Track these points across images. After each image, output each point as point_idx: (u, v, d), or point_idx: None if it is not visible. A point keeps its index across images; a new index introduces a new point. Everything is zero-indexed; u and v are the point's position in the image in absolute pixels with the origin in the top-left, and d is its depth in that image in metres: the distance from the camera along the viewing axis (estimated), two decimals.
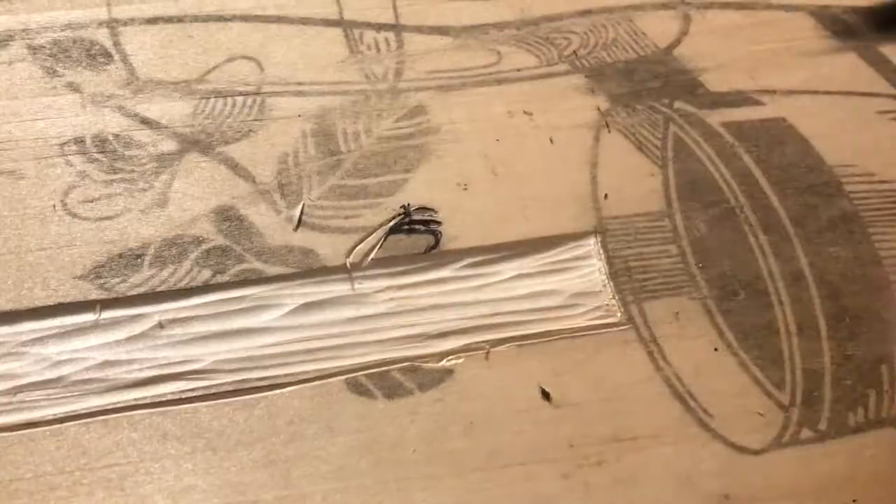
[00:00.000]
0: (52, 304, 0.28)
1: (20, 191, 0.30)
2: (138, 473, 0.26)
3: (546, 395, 0.28)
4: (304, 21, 0.35)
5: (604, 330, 0.29)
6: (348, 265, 0.30)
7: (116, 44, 0.34)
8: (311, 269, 0.30)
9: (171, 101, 0.33)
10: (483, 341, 0.29)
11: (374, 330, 0.29)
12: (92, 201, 0.30)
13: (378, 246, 0.30)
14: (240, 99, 0.33)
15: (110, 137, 0.32)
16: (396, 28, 0.35)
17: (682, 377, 0.28)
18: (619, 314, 0.30)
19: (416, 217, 0.31)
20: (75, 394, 0.27)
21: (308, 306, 0.29)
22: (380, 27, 0.35)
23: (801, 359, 0.29)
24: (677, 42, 0.36)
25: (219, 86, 0.33)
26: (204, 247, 0.30)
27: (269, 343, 0.28)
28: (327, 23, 0.35)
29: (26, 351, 0.28)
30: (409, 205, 0.31)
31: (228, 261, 0.30)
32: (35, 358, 0.27)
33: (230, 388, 0.27)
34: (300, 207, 0.31)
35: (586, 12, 0.37)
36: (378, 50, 0.35)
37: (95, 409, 0.27)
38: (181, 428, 0.27)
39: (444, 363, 0.29)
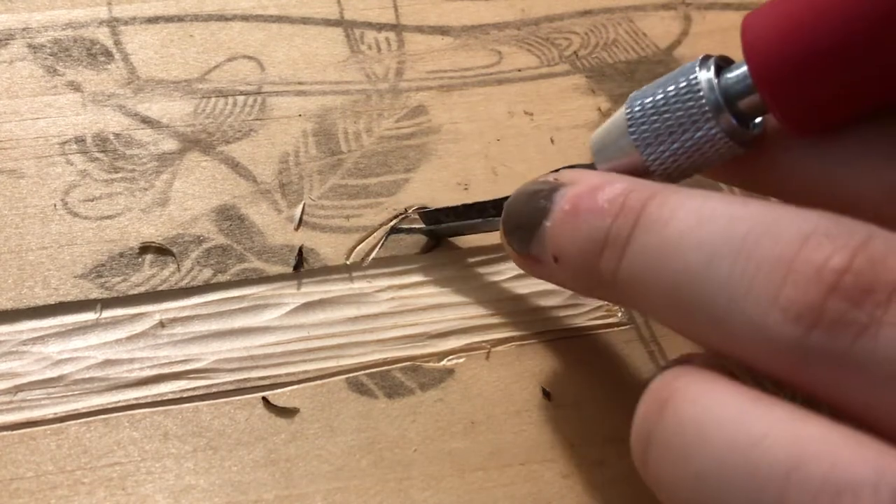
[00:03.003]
0: (52, 302, 0.28)
1: (20, 190, 0.30)
2: (139, 472, 0.26)
3: (547, 395, 0.28)
4: (305, 21, 0.35)
5: (604, 330, 0.30)
6: (349, 265, 0.30)
7: (117, 43, 0.34)
8: (312, 269, 0.30)
9: (172, 100, 0.33)
10: (484, 341, 0.29)
11: (375, 329, 0.29)
12: (93, 200, 0.30)
13: (379, 245, 0.30)
14: (241, 98, 0.33)
15: (111, 136, 0.32)
16: (397, 28, 0.35)
17: None
18: (619, 314, 0.30)
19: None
20: (76, 393, 0.27)
21: (309, 305, 0.29)
22: (380, 27, 0.35)
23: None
24: (678, 42, 0.36)
25: (220, 85, 0.33)
26: (205, 246, 0.30)
27: (270, 342, 0.28)
28: (328, 22, 0.35)
29: (27, 350, 0.28)
30: (408, 208, 0.31)
31: (229, 260, 0.30)
32: (36, 357, 0.27)
33: (231, 387, 0.27)
34: (301, 207, 0.31)
35: (587, 12, 0.37)
36: (379, 50, 0.35)
37: (96, 407, 0.27)
38: (182, 427, 0.27)
39: (444, 363, 0.29)
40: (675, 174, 0.25)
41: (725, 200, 0.21)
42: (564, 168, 0.27)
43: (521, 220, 0.26)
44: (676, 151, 0.25)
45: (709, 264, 0.20)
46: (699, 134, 0.24)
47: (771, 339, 0.19)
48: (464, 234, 0.30)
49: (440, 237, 0.31)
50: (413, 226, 0.31)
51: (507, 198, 0.28)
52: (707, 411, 0.19)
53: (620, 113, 0.26)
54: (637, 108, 0.25)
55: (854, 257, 0.19)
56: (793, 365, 0.19)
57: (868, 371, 0.18)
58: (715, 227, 0.21)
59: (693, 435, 0.19)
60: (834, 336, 0.19)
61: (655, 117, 0.25)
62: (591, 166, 0.27)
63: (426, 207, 0.31)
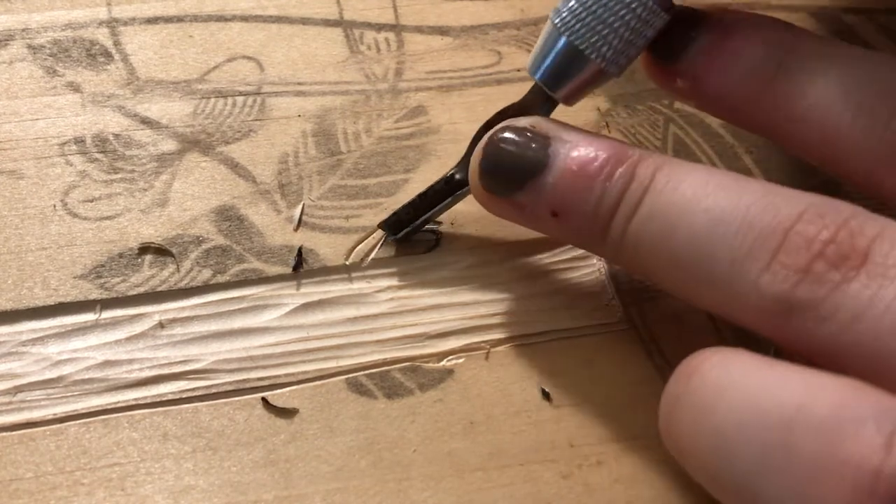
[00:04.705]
0: (52, 303, 0.28)
1: (20, 190, 0.30)
2: (139, 473, 0.26)
3: (546, 395, 0.28)
4: (305, 21, 0.35)
5: (604, 330, 0.30)
6: (348, 265, 0.30)
7: (117, 43, 0.34)
8: (312, 269, 0.30)
9: (172, 100, 0.33)
10: (483, 341, 0.29)
11: (375, 330, 0.29)
12: (92, 201, 0.30)
13: (378, 246, 0.30)
14: (240, 99, 0.33)
15: (110, 137, 0.32)
16: (396, 28, 0.35)
17: None
18: (619, 314, 0.30)
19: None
20: (76, 393, 0.27)
21: (308, 306, 0.29)
22: (380, 27, 0.35)
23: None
24: None
25: (219, 85, 0.33)
26: (204, 246, 0.30)
27: (270, 343, 0.28)
28: (327, 23, 0.35)
29: (26, 350, 0.28)
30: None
31: (228, 260, 0.30)
32: (35, 357, 0.27)
33: (230, 387, 0.28)
34: (300, 207, 0.31)
35: None
36: (378, 50, 0.35)
37: (96, 408, 0.27)
38: (181, 427, 0.27)
39: (444, 363, 0.29)
40: (624, 63, 0.27)
41: (730, 175, 0.24)
42: (533, 116, 0.28)
43: (507, 167, 0.27)
44: (621, 35, 0.26)
45: (714, 228, 0.23)
46: (631, 8, 0.26)
47: (762, 296, 0.22)
48: (435, 219, 0.30)
49: (412, 235, 0.31)
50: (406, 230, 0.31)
51: (453, 174, 0.29)
52: (727, 373, 0.21)
53: (548, 28, 0.27)
54: (565, 13, 0.26)
55: (838, 231, 0.22)
56: (778, 318, 0.22)
57: (835, 318, 0.21)
58: (722, 196, 0.23)
59: (713, 394, 0.21)
60: (813, 291, 0.22)
61: (585, 14, 0.26)
62: (539, 92, 0.28)
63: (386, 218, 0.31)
